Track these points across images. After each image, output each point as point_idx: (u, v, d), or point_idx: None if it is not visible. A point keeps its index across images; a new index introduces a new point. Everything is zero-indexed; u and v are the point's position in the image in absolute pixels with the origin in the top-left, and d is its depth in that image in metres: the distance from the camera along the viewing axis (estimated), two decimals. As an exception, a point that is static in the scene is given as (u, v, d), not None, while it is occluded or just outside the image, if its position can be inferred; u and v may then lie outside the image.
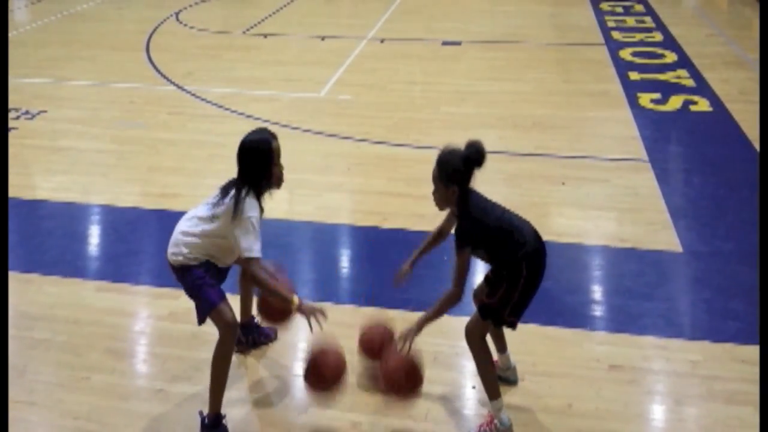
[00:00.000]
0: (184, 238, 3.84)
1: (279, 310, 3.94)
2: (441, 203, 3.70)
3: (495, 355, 4.10)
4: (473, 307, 3.89)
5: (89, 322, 4.88)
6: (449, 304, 3.65)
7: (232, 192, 3.74)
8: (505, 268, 3.67)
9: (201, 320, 3.89)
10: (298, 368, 4.46)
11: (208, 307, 3.81)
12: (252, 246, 3.68)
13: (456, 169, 3.56)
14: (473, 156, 3.54)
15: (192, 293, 3.88)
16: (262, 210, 3.81)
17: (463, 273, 3.60)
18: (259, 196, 3.78)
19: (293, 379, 4.37)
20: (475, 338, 3.79)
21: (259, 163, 3.75)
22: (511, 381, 4.23)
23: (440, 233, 4.01)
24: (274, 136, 3.81)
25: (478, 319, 3.79)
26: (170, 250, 3.87)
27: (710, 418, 4.00)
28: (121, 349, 4.64)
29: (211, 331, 3.87)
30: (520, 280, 3.63)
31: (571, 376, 4.31)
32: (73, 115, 8.67)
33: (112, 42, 11.82)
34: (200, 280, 3.81)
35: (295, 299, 3.74)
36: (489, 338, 3.96)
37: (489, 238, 3.61)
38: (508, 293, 3.65)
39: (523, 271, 3.62)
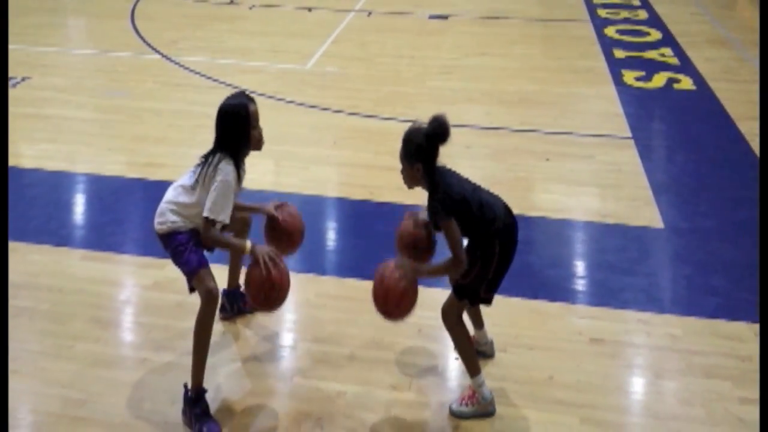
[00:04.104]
0: (169, 207, 3.86)
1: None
2: (408, 181, 3.68)
3: (472, 331, 4.14)
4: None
5: (73, 290, 4.87)
6: (453, 268, 3.63)
7: (210, 159, 3.78)
8: (478, 246, 3.68)
9: (190, 288, 3.91)
10: (283, 336, 4.51)
11: (188, 272, 3.83)
12: (213, 207, 3.70)
13: (419, 146, 3.55)
14: (436, 131, 3.51)
15: (175, 260, 3.89)
16: (241, 174, 3.84)
17: (457, 241, 3.55)
18: (237, 161, 3.81)
19: (278, 348, 4.40)
20: (451, 318, 3.81)
21: (237, 128, 3.77)
22: (488, 355, 4.27)
23: None
24: (251, 100, 3.83)
25: (453, 299, 3.80)
26: (156, 219, 3.89)
27: (689, 391, 4.06)
28: (105, 318, 4.64)
29: (196, 300, 3.88)
30: (493, 257, 3.64)
31: (553, 349, 4.37)
32: (57, 83, 8.59)
33: (97, 10, 11.67)
34: (183, 246, 3.82)
35: (248, 245, 3.79)
36: (465, 316, 3.99)
37: (458, 214, 3.60)
38: (482, 271, 3.67)
39: (495, 248, 3.63)
